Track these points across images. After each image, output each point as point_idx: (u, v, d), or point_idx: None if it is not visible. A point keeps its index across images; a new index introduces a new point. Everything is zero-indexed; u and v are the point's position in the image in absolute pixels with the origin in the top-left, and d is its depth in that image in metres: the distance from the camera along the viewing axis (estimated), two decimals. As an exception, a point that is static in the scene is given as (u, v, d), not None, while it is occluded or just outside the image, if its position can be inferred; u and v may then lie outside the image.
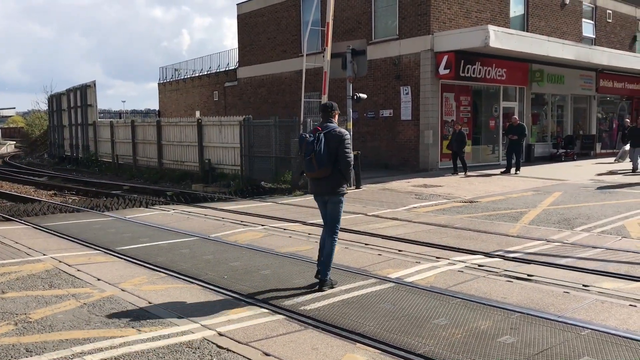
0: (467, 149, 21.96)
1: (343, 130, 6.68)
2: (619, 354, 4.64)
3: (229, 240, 9.64)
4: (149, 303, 6.23)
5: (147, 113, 56.86)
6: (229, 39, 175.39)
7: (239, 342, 5.06)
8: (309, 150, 6.55)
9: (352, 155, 6.68)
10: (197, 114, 33.18)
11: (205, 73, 34.85)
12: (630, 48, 30.36)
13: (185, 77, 37.23)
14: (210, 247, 9.13)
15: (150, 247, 9.30)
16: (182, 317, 5.74)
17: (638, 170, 18.29)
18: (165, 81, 39.51)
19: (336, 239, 6.79)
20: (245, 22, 29.59)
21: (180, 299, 6.38)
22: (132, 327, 5.45)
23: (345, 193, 6.76)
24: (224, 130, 19.91)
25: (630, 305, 5.82)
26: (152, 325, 5.51)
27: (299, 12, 25.81)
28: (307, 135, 6.68)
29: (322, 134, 6.57)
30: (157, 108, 41.70)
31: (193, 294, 6.59)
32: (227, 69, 32.81)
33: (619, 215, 11.03)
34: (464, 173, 18.95)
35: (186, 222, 11.74)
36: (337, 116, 6.86)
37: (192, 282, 7.06)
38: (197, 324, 5.55)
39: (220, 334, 5.27)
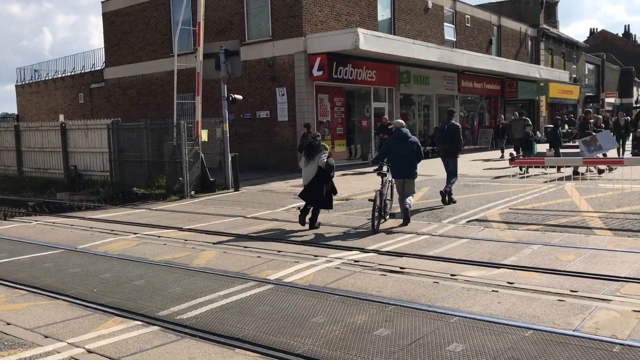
0: (341, 148, 22.57)
1: (458, 124, 12.65)
2: (484, 337, 4.94)
3: (99, 251, 9.11)
4: (8, 324, 5.72)
5: (4, 117, 52.45)
6: (95, 38, 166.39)
7: (110, 358, 4.78)
8: (439, 133, 12.65)
9: (461, 137, 12.48)
10: (61, 117, 31.08)
11: (69, 74, 32.75)
12: (487, 51, 32.76)
13: (47, 78, 34.76)
14: (78, 260, 8.58)
15: (9, 262, 8.56)
16: (47, 337, 5.34)
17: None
18: (24, 83, 36.64)
19: (455, 180, 12.55)
20: (112, 21, 28.22)
21: (45, 317, 5.92)
22: (-13, 353, 4.96)
23: (459, 156, 12.44)
24: (91, 134, 18.83)
25: (492, 291, 6.23)
26: (12, 348, 5.06)
27: (169, 11, 25.06)
28: (439, 126, 12.78)
29: (447, 125, 12.38)
30: (15, 112, 38.58)
31: (59, 310, 6.14)
32: (93, 69, 31.07)
33: (481, 207, 11.83)
34: None
35: (50, 234, 10.95)
36: (455, 117, 12.92)
37: (57, 298, 6.59)
38: (63, 342, 5.18)
39: (89, 351, 4.95)
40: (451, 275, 6.89)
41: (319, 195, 10.09)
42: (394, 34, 24.15)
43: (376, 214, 9.77)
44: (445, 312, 5.60)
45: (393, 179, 10.80)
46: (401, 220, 10.37)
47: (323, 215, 11.01)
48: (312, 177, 10.08)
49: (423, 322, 5.37)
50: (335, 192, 10.43)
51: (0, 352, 4.97)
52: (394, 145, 10.55)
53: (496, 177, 16.94)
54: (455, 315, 5.48)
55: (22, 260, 8.66)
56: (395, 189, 11.03)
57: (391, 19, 25.12)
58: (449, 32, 29.49)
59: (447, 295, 6.15)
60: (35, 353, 4.93)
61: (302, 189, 10.42)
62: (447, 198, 12.10)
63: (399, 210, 10.82)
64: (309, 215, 10.30)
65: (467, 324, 5.28)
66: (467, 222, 10.32)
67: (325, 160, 10.05)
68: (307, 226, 10.17)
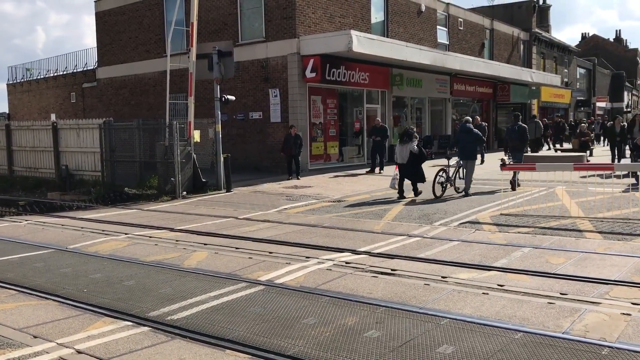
0: (334, 150, 22.58)
1: (524, 125, 15.42)
2: (474, 339, 4.96)
3: (89, 251, 9.07)
4: (-4, 324, 5.68)
5: (-5, 116, 52.20)
6: (88, 37, 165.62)
7: (100, 359, 4.76)
8: (510, 133, 15.39)
9: (528, 136, 15.56)
10: (53, 117, 30.95)
11: (62, 73, 32.59)
12: (480, 54, 32.89)
13: (39, 77, 34.58)
14: (68, 260, 8.53)
15: (-1, 262, 8.50)
16: (36, 337, 5.30)
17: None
18: (15, 82, 36.43)
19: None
20: (105, 20, 28.12)
21: (34, 317, 5.89)
22: (-25, 353, 4.92)
23: (522, 150, 15.49)
24: (83, 134, 18.76)
25: (483, 293, 6.25)
26: (0, 348, 5.02)
27: (162, 11, 25.00)
28: (510, 127, 15.64)
29: (515, 125, 15.14)
30: (6, 111, 38.36)
31: (49, 310, 6.11)
32: (85, 68, 30.93)
33: (473, 209, 11.88)
34: (296, 176, 18.50)
35: (41, 234, 10.89)
36: (520, 118, 15.62)
37: (47, 298, 6.55)
38: (52, 342, 5.15)
39: (79, 352, 4.92)
40: (442, 277, 6.91)
41: (412, 172, 13.71)
42: (387, 37, 24.19)
43: (437, 185, 13.54)
44: (435, 314, 5.61)
45: (454, 164, 14.34)
46: (463, 193, 13.83)
47: (315, 217, 10.95)
48: (407, 159, 13.58)
49: (414, 324, 5.38)
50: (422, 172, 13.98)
51: (-12, 352, 4.94)
52: (461, 135, 14.16)
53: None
54: (446, 317, 5.50)
55: (12, 260, 8.61)
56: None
57: (384, 22, 25.17)
58: (442, 35, 29.58)
59: (437, 297, 6.17)
60: (24, 353, 4.90)
61: (293, 189, 10.56)
62: (515, 186, 14.44)
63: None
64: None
65: (458, 326, 5.29)
66: (458, 224, 10.36)
67: (415, 147, 13.51)
68: (411, 194, 13.75)
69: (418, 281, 6.78)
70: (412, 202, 13.08)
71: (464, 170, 14.26)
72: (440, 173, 13.75)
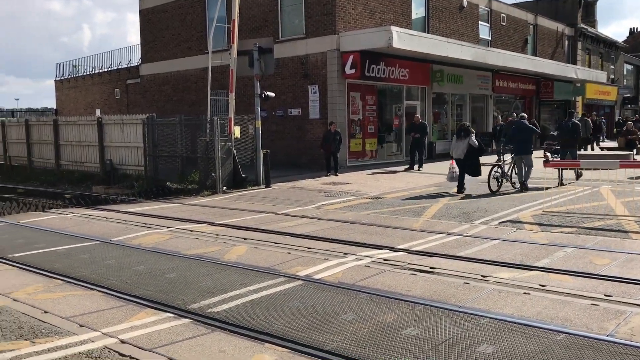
0: (372, 146, 22.49)
1: (578, 122, 16.14)
2: (515, 339, 4.89)
3: (133, 244, 9.29)
4: (45, 312, 5.88)
5: (43, 112, 53.77)
6: (132, 35, 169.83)
7: (143, 349, 4.88)
8: (562, 129, 15.71)
9: (580, 132, 16.33)
10: (98, 112, 31.76)
11: (106, 70, 33.37)
12: (523, 50, 32.22)
13: (85, 74, 35.50)
14: (112, 252, 8.76)
15: (47, 253, 8.79)
16: (82, 326, 5.47)
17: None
18: (62, 78, 37.48)
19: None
20: (148, 18, 28.66)
21: (80, 306, 6.08)
22: (25, 339, 5.11)
23: (574, 146, 15.63)
24: (126, 129, 19.17)
25: (524, 293, 6.16)
26: (48, 335, 5.21)
27: (204, 9, 25.32)
28: (563, 123, 16.07)
29: (570, 122, 15.58)
30: (54, 106, 39.54)
31: (94, 300, 6.29)
32: (129, 65, 31.62)
33: (515, 208, 11.68)
34: (334, 173, 18.54)
35: (86, 226, 11.20)
36: (574, 115, 16.29)
37: (92, 289, 6.74)
38: (97, 332, 5.30)
39: (122, 342, 5.06)
40: (482, 276, 6.83)
41: (470, 165, 13.90)
42: (428, 33, 23.94)
43: (492, 180, 13.76)
44: (475, 313, 5.55)
45: (506, 160, 14.71)
46: (519, 188, 14.19)
47: (353, 214, 10.94)
48: (465, 153, 13.77)
49: (453, 322, 5.34)
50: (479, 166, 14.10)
51: (37, 339, 5.12)
52: (516, 132, 14.52)
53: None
54: (486, 317, 5.44)
55: (59, 251, 8.89)
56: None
57: (425, 17, 24.91)
58: (484, 31, 29.10)
59: (477, 296, 6.10)
60: (71, 341, 5.07)
61: (331, 186, 10.56)
62: (577, 176, 15.73)
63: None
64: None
65: (498, 325, 5.23)
66: (499, 223, 10.20)
67: (475, 141, 13.81)
68: (463, 189, 13.99)
69: (457, 280, 6.72)
70: (453, 199, 12.94)
71: (522, 165, 14.42)
72: (495, 168, 14.02)
